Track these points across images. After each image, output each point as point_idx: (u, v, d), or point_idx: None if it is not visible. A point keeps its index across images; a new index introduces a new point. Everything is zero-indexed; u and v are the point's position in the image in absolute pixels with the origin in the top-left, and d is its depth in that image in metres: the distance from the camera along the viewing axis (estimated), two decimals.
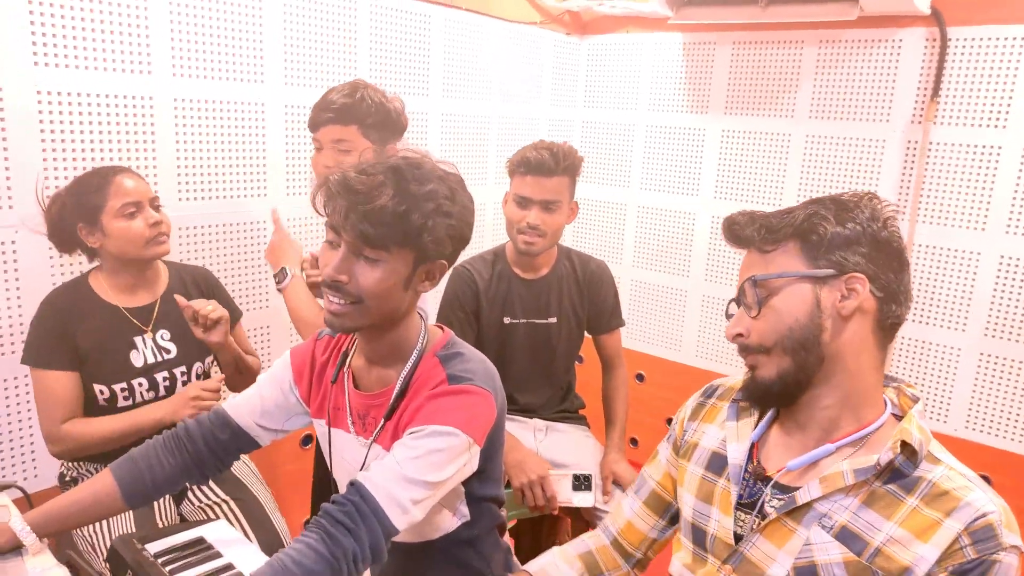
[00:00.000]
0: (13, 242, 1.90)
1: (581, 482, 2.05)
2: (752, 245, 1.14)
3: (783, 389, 1.10)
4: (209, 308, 1.78)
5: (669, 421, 1.39)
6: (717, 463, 1.23)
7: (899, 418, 1.12)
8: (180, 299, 1.78)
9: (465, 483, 1.32)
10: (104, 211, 1.74)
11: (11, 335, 1.94)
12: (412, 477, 1.14)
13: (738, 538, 1.15)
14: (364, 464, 1.30)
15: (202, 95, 2.21)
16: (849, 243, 1.08)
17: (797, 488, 1.10)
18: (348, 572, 1.11)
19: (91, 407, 1.80)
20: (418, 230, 1.19)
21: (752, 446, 1.19)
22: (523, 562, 1.58)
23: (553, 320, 2.26)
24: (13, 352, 1.95)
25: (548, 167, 2.07)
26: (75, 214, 1.75)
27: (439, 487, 1.19)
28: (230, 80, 2.27)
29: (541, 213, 2.10)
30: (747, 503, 1.16)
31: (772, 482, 1.13)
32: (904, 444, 1.03)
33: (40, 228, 1.84)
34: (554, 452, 2.21)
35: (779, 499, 1.12)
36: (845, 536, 1.04)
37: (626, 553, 1.38)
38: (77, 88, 1.95)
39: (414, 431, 1.19)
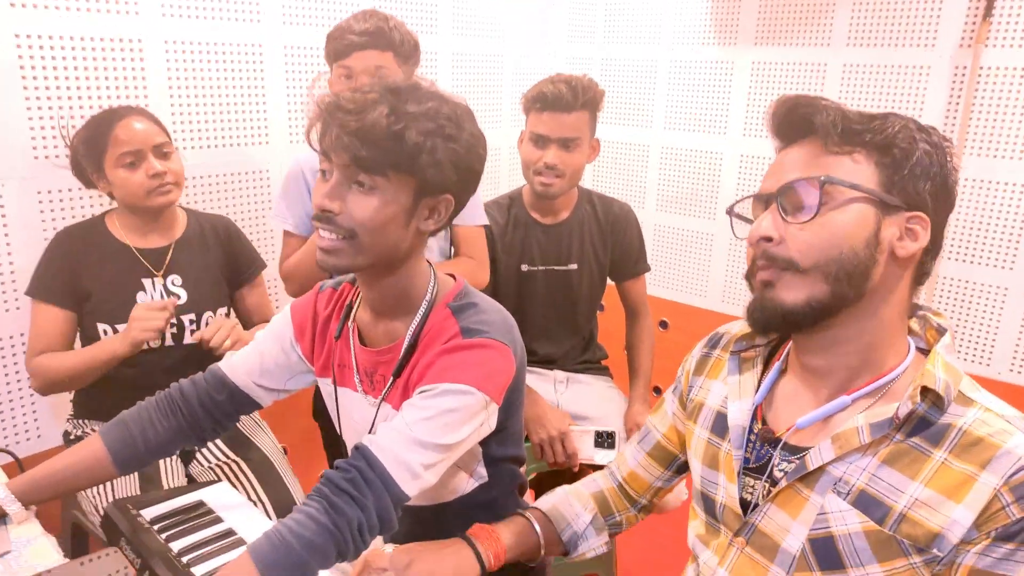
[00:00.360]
0: (0, 196, 1.81)
1: (604, 439, 1.95)
2: (820, 138, 0.94)
3: (804, 319, 0.93)
4: (228, 344, 1.72)
5: None
6: (720, 425, 1.10)
7: (926, 353, 0.98)
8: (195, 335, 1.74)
9: (483, 443, 1.23)
10: (106, 159, 1.69)
11: (3, 292, 1.86)
12: (423, 440, 1.06)
13: (748, 506, 1.02)
14: (373, 425, 1.22)
15: (194, 36, 2.09)
16: (925, 176, 0.92)
17: (809, 449, 0.96)
18: (353, 543, 1.02)
19: None
20: (416, 150, 1.07)
21: (757, 407, 1.06)
22: None
23: (574, 266, 2.16)
24: (7, 311, 1.87)
25: (566, 102, 1.93)
26: (86, 158, 1.71)
27: (453, 449, 1.10)
28: (224, 20, 2.14)
29: (559, 152, 1.97)
30: (756, 467, 1.03)
31: (781, 443, 1.00)
32: (925, 390, 0.89)
33: (66, 165, 1.80)
34: (576, 405, 2.12)
35: (789, 462, 0.99)
36: (864, 502, 0.91)
37: (631, 499, 1.30)
38: (59, 31, 1.84)
39: (425, 390, 1.09)
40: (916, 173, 0.91)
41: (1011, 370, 2.58)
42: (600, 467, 1.99)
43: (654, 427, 1.28)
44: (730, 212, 1.04)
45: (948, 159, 0.94)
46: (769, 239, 0.94)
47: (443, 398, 1.08)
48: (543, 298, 2.16)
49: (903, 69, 2.60)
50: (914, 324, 1.02)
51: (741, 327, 1.16)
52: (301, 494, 1.77)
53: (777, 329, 1.00)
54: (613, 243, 2.19)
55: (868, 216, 0.91)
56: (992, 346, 2.61)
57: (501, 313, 1.22)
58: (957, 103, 2.52)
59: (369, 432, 1.20)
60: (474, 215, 1.97)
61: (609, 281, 2.25)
